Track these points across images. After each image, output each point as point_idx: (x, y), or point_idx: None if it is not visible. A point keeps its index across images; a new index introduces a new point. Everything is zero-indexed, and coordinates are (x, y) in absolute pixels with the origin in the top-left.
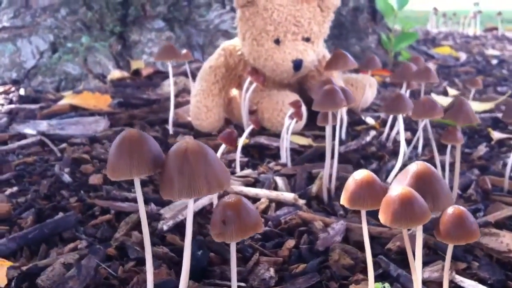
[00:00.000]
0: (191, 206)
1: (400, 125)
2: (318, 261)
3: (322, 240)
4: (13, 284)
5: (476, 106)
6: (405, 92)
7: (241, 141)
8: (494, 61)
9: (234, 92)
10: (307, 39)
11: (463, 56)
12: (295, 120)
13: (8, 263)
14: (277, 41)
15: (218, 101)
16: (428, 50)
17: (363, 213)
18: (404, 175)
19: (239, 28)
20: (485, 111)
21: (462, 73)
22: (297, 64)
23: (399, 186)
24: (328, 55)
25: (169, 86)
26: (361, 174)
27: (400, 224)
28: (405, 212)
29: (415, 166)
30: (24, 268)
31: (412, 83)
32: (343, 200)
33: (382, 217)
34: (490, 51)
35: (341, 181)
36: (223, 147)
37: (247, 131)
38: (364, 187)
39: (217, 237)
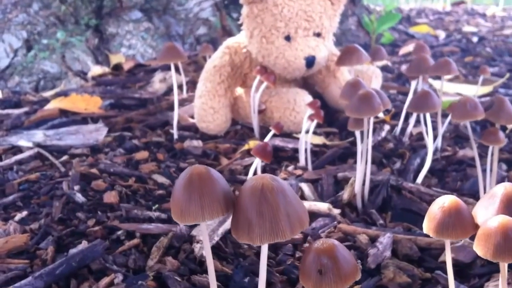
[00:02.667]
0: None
1: (428, 124)
2: (373, 282)
3: (373, 257)
4: None
5: (474, 90)
6: (416, 86)
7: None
8: (474, 39)
9: (239, 91)
10: (318, 34)
11: (441, 34)
12: (315, 121)
13: None
14: (287, 38)
15: (225, 101)
16: (408, 30)
17: (448, 243)
18: (490, 200)
19: (246, 25)
20: (484, 95)
21: (447, 53)
22: (310, 61)
23: (491, 214)
24: (334, 49)
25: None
26: (448, 201)
27: (503, 258)
28: (509, 245)
29: (503, 189)
30: None
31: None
32: (428, 229)
33: (480, 250)
34: (466, 28)
35: (371, 185)
36: (257, 161)
37: (269, 136)
38: (453, 215)
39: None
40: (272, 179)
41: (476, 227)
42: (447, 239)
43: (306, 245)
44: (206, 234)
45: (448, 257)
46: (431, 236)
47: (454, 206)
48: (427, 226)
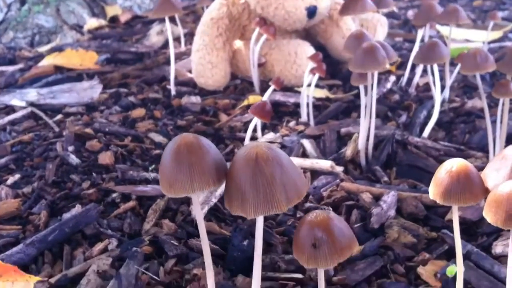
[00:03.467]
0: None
1: (435, 75)
2: (376, 242)
3: (376, 217)
4: None
5: (484, 36)
6: (423, 34)
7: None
8: None
9: (238, 44)
10: None
11: None
12: (317, 75)
13: (35, 278)
14: None
15: (223, 55)
16: None
17: (455, 209)
18: (502, 162)
19: None
20: (494, 41)
21: None
22: (311, 11)
23: (502, 178)
24: None
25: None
26: (456, 165)
27: None
28: None
29: None
30: (52, 280)
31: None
32: (434, 195)
33: (491, 217)
34: None
35: (376, 140)
36: (256, 120)
37: (268, 93)
38: (461, 180)
39: (307, 264)
40: (267, 148)
41: (486, 191)
42: (455, 205)
43: (308, 204)
44: (199, 207)
45: (455, 220)
46: (438, 202)
47: (462, 171)
48: (434, 191)
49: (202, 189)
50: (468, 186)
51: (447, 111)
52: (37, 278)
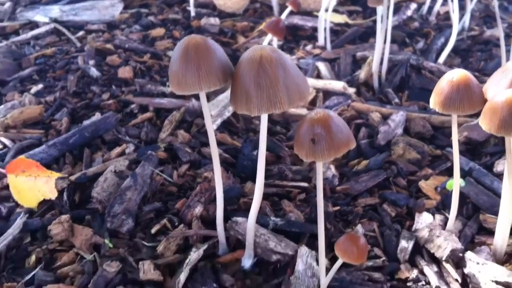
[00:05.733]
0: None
1: (454, 2)
2: (381, 157)
3: (383, 134)
4: (65, 196)
5: None
6: None
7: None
8: None
9: None
10: None
11: None
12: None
13: (56, 174)
14: None
15: None
16: None
17: (455, 117)
18: (504, 74)
19: None
20: None
21: None
22: None
23: (501, 89)
24: None
25: None
26: (457, 75)
27: (508, 132)
28: None
29: None
30: (72, 178)
31: None
32: (434, 103)
33: (485, 124)
34: None
35: (391, 64)
36: (268, 38)
37: (285, 13)
38: (461, 89)
39: (306, 157)
40: (272, 51)
41: (485, 102)
42: (454, 114)
43: None
44: (206, 106)
45: (454, 130)
46: (437, 110)
47: (463, 80)
48: (434, 100)
49: (209, 88)
50: (467, 96)
51: (465, 39)
52: (58, 174)
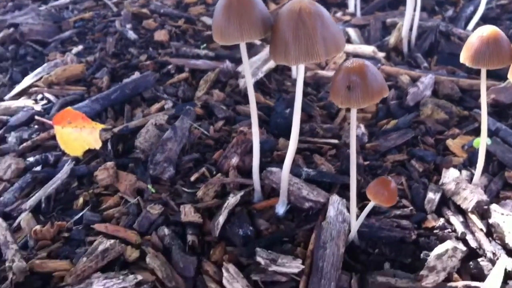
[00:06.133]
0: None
1: None
2: (410, 117)
3: (412, 95)
4: (109, 146)
5: None
6: None
7: None
8: None
9: None
10: None
11: None
12: None
13: (100, 126)
14: None
15: None
16: None
17: (484, 72)
18: None
19: None
20: None
21: None
22: None
23: None
24: None
25: None
26: (487, 30)
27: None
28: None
29: None
30: (115, 130)
31: None
32: (464, 58)
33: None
34: None
35: (420, 31)
36: None
37: None
38: (491, 44)
39: (341, 103)
40: (310, 3)
41: None
42: (483, 68)
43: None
44: (246, 56)
45: (483, 85)
46: (467, 64)
47: (492, 35)
48: (464, 55)
49: (250, 39)
50: (496, 50)
51: (494, 8)
52: (102, 126)
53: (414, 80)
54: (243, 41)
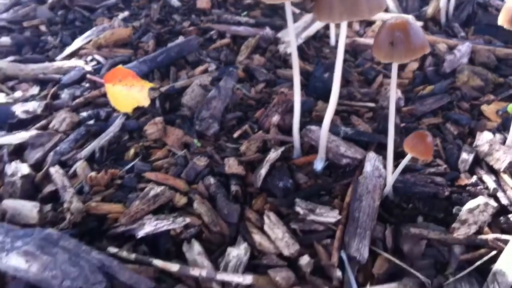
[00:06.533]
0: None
1: None
2: (446, 83)
3: (449, 62)
4: (157, 103)
5: None
6: None
7: None
8: None
9: None
10: None
11: None
12: None
13: (149, 84)
14: None
15: None
16: None
17: None
18: None
19: None
20: None
21: None
22: None
23: None
24: None
25: None
26: None
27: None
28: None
29: None
30: (162, 89)
31: None
32: (502, 20)
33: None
34: None
35: (457, 1)
36: None
37: None
38: None
39: (384, 58)
40: None
41: None
42: None
43: None
44: (290, 14)
45: None
46: (505, 27)
47: None
48: (502, 18)
49: None
50: None
51: None
52: (151, 84)
53: (451, 49)
54: (287, 0)
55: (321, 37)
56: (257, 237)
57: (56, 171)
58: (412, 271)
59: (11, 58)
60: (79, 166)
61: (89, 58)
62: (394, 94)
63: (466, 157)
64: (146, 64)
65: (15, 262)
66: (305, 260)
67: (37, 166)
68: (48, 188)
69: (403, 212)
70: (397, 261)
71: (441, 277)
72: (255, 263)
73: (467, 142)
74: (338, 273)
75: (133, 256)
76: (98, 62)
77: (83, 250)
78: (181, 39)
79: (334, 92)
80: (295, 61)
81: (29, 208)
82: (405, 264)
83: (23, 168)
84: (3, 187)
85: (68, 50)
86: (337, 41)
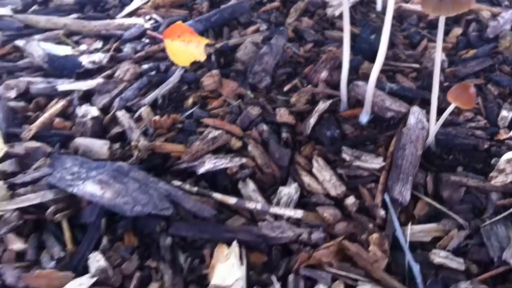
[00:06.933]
0: None
1: None
2: (489, 47)
3: (492, 28)
4: (212, 58)
5: None
6: None
7: None
8: None
9: None
10: None
11: None
12: None
13: (205, 40)
14: None
15: None
16: None
17: None
18: None
19: None
20: None
21: None
22: None
23: None
24: None
25: None
26: None
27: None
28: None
29: None
30: (217, 45)
31: None
32: None
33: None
34: None
35: None
36: None
37: None
38: None
39: (433, 11)
40: None
41: None
42: None
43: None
44: None
45: None
46: None
47: None
48: None
49: None
50: None
51: None
52: (207, 41)
53: (494, 16)
54: None
55: (368, 2)
56: (306, 179)
57: (122, 115)
58: (451, 213)
59: (74, 15)
60: (144, 110)
61: (147, 17)
62: (440, 49)
63: (506, 114)
64: (201, 23)
65: (91, 188)
66: (350, 200)
67: (104, 110)
68: (116, 130)
69: (444, 162)
70: (437, 205)
71: (478, 220)
72: (304, 201)
73: (507, 101)
74: (382, 212)
75: (195, 189)
76: (156, 21)
77: (151, 181)
78: (233, 1)
79: (381, 52)
80: (346, 17)
81: (99, 145)
82: (445, 208)
83: (93, 111)
84: (75, 127)
85: (127, 9)
86: (383, 7)
